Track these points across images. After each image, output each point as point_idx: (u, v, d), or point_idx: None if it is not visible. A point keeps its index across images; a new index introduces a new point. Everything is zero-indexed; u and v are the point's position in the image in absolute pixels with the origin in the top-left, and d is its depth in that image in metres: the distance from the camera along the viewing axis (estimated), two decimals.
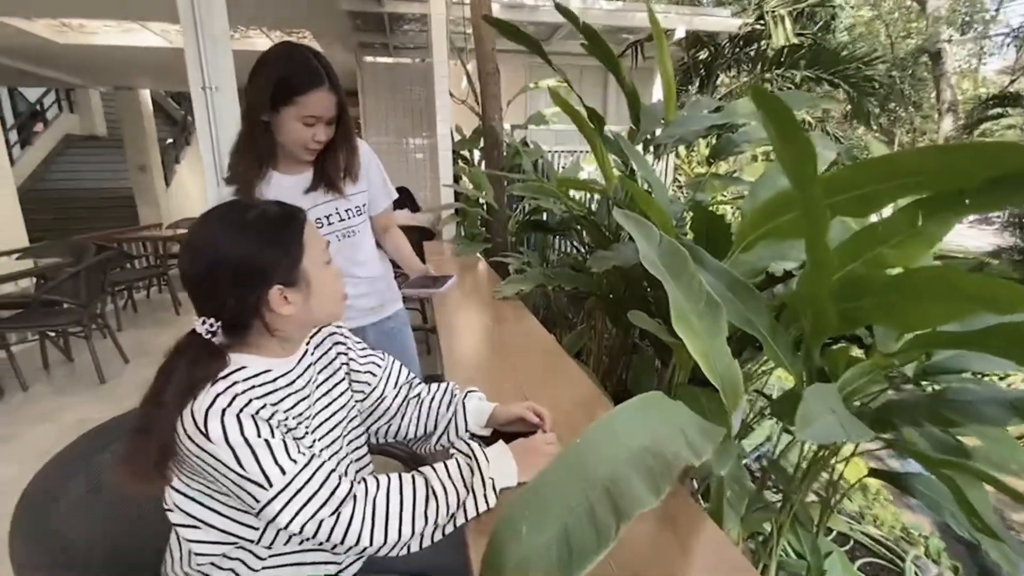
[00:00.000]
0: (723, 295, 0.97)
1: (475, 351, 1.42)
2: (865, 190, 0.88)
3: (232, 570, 0.71)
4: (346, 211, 1.31)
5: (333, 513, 0.64)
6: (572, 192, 2.22)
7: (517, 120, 4.42)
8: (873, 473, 0.92)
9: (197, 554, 0.69)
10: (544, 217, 2.91)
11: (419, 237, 3.61)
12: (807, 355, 0.90)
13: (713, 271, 1.01)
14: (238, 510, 0.68)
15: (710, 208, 1.72)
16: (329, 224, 1.29)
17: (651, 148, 1.94)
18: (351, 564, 0.81)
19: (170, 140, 9.11)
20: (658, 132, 1.91)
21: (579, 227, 2.23)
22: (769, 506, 0.92)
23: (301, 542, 0.72)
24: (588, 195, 2.95)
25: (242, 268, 0.67)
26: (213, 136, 1.17)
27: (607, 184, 1.75)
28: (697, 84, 5.58)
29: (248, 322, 0.70)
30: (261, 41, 5.45)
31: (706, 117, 1.88)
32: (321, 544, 0.66)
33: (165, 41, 5.27)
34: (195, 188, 9.25)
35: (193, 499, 0.68)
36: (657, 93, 5.16)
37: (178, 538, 0.72)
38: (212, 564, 0.71)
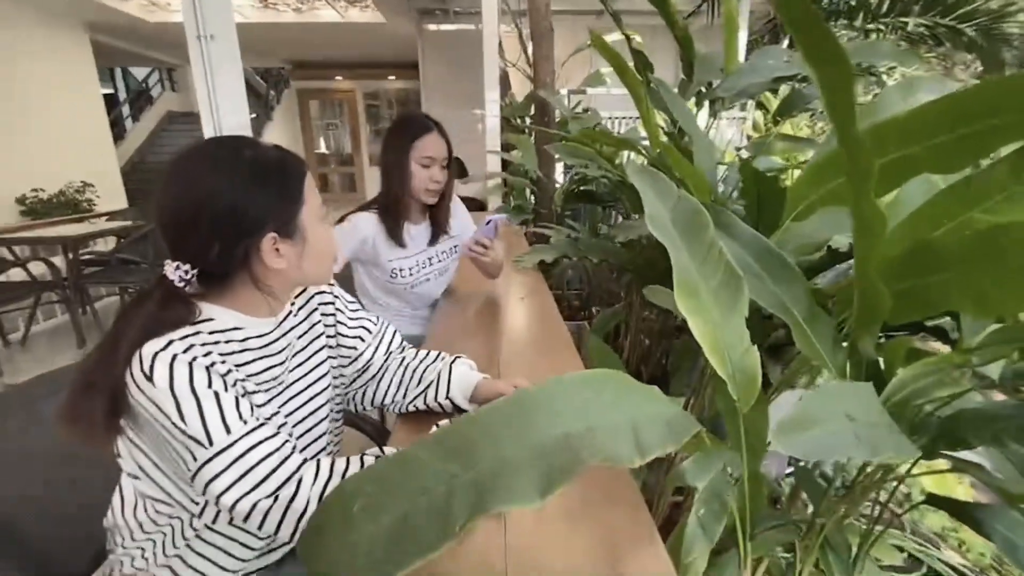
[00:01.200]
0: (748, 268, 0.80)
1: (465, 320, 1.35)
2: (955, 134, 0.67)
3: (170, 527, 0.68)
4: (444, 252, 1.53)
5: (271, 495, 0.57)
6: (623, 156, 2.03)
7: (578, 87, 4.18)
8: (932, 500, 0.72)
9: (145, 498, 0.66)
10: (594, 188, 2.72)
11: (468, 207, 3.55)
12: (852, 347, 0.71)
13: (742, 239, 0.83)
14: (177, 475, 0.63)
15: (769, 174, 1.48)
16: (430, 265, 1.50)
17: (705, 103, 1.70)
18: (276, 549, 0.75)
19: (255, 115, 9.66)
20: (715, 84, 1.67)
21: (625, 198, 2.04)
22: (789, 526, 0.75)
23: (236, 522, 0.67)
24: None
25: (234, 213, 0.60)
26: (209, 87, 1.13)
27: (652, 144, 1.56)
28: (787, 42, 4.99)
29: (230, 273, 0.63)
30: (326, 12, 5.55)
31: (773, 67, 1.61)
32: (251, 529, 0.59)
33: (242, 17, 5.50)
34: None
35: (137, 446, 0.63)
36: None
37: (120, 487, 0.69)
38: (153, 521, 0.67)
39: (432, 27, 5.34)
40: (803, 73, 1.57)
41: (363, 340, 0.84)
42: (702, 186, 1.10)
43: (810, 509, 0.90)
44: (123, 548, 0.68)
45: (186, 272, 0.61)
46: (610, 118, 3.63)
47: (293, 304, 0.76)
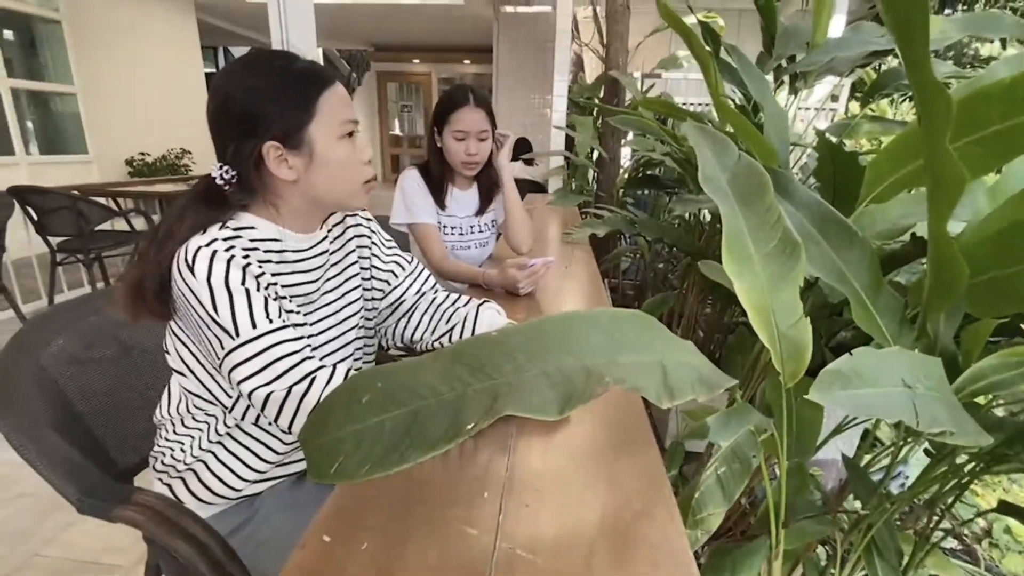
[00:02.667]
0: (808, 236, 0.73)
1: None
2: None
3: (207, 424, 0.73)
4: (487, 224, 1.55)
5: (285, 388, 0.61)
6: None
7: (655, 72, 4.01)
8: (1005, 508, 0.63)
9: (189, 395, 0.71)
10: (659, 172, 2.61)
11: (529, 189, 3.53)
12: (922, 328, 0.63)
13: (802, 204, 0.76)
14: (216, 368, 0.68)
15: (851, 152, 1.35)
16: (472, 233, 1.52)
17: (785, 80, 1.58)
18: (298, 461, 0.78)
19: None
20: (799, 58, 1.54)
21: (687, 178, 1.94)
22: (827, 518, 0.69)
23: (264, 422, 0.71)
24: None
25: (241, 113, 0.64)
26: (284, 43, 1.18)
27: (721, 119, 1.47)
28: None
29: (249, 178, 0.66)
30: None
31: (867, 40, 1.46)
32: (268, 421, 0.63)
33: None
34: None
35: (183, 343, 0.68)
36: None
37: (168, 385, 0.75)
38: (193, 416, 0.73)
39: (508, 9, 5.32)
40: None
41: (396, 275, 0.87)
42: (770, 155, 1.02)
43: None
44: (166, 440, 0.74)
45: (226, 172, 0.65)
46: (684, 103, 3.47)
47: (329, 227, 0.79)
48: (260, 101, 0.64)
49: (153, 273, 0.62)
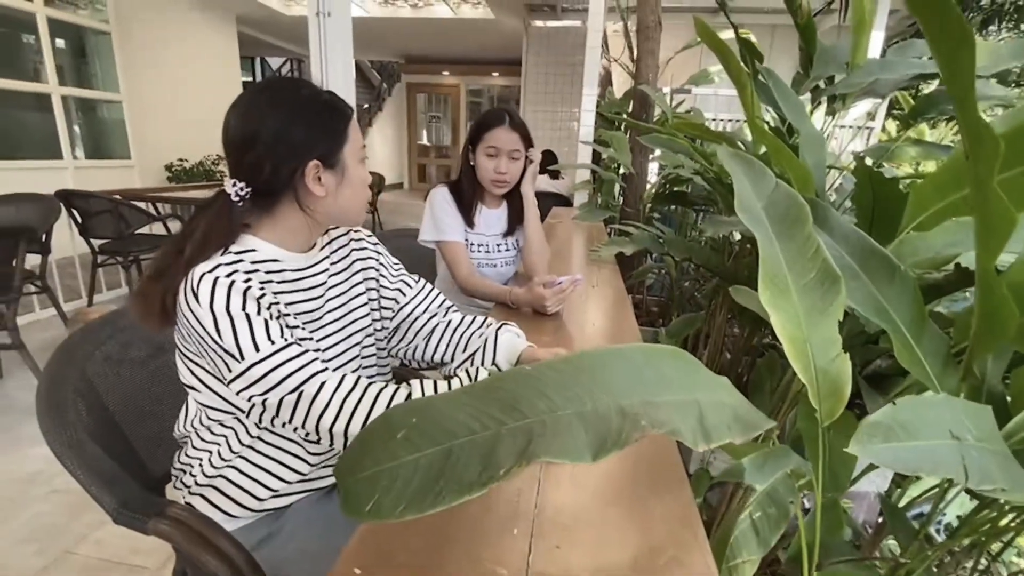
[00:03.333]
0: (847, 268, 0.71)
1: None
2: None
3: (225, 437, 0.74)
4: (515, 243, 1.55)
5: (294, 391, 0.63)
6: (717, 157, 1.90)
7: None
8: None
9: (204, 408, 0.73)
10: (687, 189, 2.58)
11: (555, 203, 3.53)
12: (968, 369, 0.61)
13: (842, 236, 0.75)
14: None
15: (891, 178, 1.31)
16: (498, 252, 1.53)
17: (822, 101, 1.55)
18: (325, 477, 0.79)
19: (366, 105, 10.32)
20: (838, 79, 1.51)
21: (718, 197, 1.91)
22: (866, 564, 0.66)
23: (285, 428, 0.72)
24: None
25: (286, 138, 0.68)
26: (322, 62, 1.22)
27: (755, 140, 1.45)
28: None
29: (278, 193, 0.70)
30: (440, 8, 5.77)
31: (912, 63, 1.43)
32: (291, 427, 0.65)
33: (364, 11, 5.89)
34: (381, 150, 10.38)
35: (194, 362, 0.70)
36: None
37: (186, 401, 0.77)
38: (209, 429, 0.74)
39: (538, 23, 5.37)
40: None
41: (403, 294, 0.89)
42: (805, 181, 1.00)
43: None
44: (187, 456, 0.76)
45: (241, 189, 0.68)
46: (714, 119, 3.44)
47: (329, 247, 0.82)
48: (303, 125, 0.69)
49: (164, 285, 0.65)
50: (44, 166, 4.29)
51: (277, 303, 0.67)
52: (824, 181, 1.18)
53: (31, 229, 2.00)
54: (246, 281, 0.64)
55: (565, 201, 3.59)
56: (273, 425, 0.73)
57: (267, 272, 0.70)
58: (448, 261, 1.41)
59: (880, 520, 1.62)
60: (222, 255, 0.66)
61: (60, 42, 4.49)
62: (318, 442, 0.72)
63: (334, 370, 0.68)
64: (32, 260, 2.41)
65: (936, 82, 1.59)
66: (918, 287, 0.69)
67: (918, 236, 0.97)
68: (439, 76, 10.19)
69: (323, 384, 0.64)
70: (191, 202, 3.59)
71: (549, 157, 4.06)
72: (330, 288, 0.80)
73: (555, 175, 3.80)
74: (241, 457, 0.73)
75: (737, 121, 3.32)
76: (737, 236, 1.85)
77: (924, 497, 1.06)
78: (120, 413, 0.78)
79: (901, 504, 1.40)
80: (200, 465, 0.74)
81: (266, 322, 0.64)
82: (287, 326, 0.66)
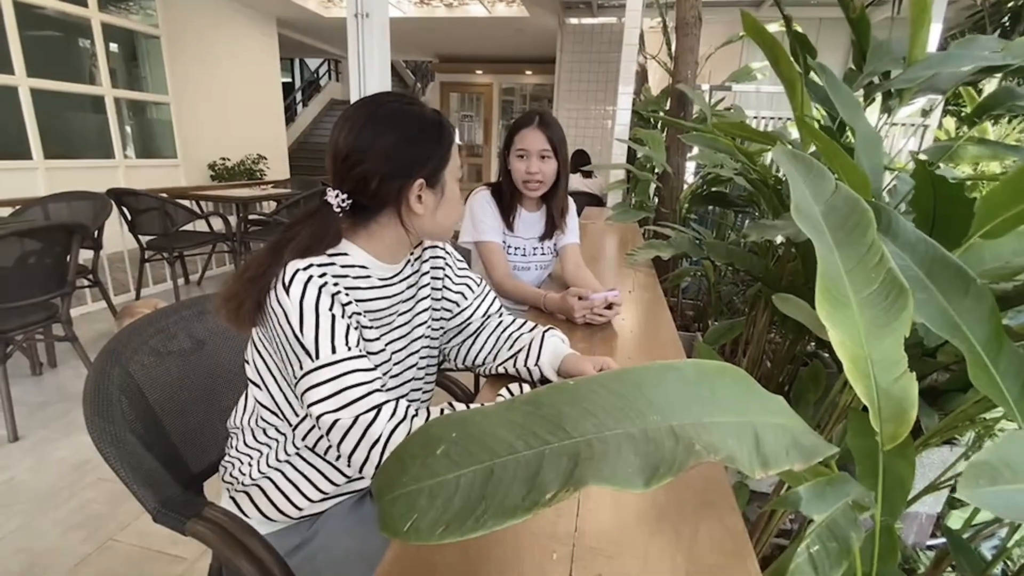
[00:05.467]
0: (914, 280, 0.66)
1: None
2: None
3: (276, 442, 0.75)
4: (551, 248, 1.54)
5: (352, 417, 0.62)
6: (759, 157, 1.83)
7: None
8: None
9: (260, 408, 0.74)
10: (726, 190, 2.50)
11: (587, 202, 3.48)
12: None
13: (906, 242, 0.69)
14: (289, 385, 0.70)
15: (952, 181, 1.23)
16: (534, 255, 1.53)
17: (877, 98, 1.47)
18: (360, 479, 0.78)
19: None
20: (893, 74, 1.42)
21: (760, 199, 1.84)
22: None
23: (326, 451, 0.72)
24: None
25: (397, 155, 0.69)
26: (360, 63, 1.22)
27: (803, 140, 1.38)
28: (997, 35, 4.13)
29: (381, 208, 0.72)
30: (475, 7, 5.78)
31: (977, 56, 1.33)
32: (329, 449, 0.65)
33: (400, 12, 5.95)
34: None
35: (263, 356, 0.71)
36: None
37: (245, 394, 0.78)
38: (263, 431, 0.75)
39: (573, 21, 5.32)
40: (1019, 63, 1.27)
41: (465, 297, 0.90)
42: (862, 185, 0.94)
43: None
44: (236, 451, 0.77)
45: (343, 200, 0.69)
46: (756, 117, 3.32)
47: (411, 256, 0.83)
48: (414, 143, 0.70)
49: (258, 285, 0.65)
50: (98, 165, 4.51)
51: (359, 313, 0.68)
52: (881, 184, 1.11)
53: (84, 226, 2.08)
54: (335, 284, 0.66)
55: (598, 201, 3.53)
56: (316, 444, 0.73)
57: (355, 278, 0.71)
58: (485, 262, 1.41)
59: (932, 543, 1.52)
60: (317, 256, 0.67)
61: (113, 46, 4.70)
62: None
63: (387, 377, 0.68)
64: (85, 255, 2.52)
65: (999, 75, 1.48)
66: (995, 303, 0.63)
67: (986, 244, 0.90)
68: (472, 75, 10.23)
69: (378, 413, 0.63)
70: (232, 200, 3.70)
71: (581, 156, 4.01)
72: (405, 297, 0.81)
73: (588, 175, 3.75)
74: (287, 463, 0.74)
75: (779, 119, 3.19)
76: (779, 240, 1.78)
77: (988, 527, 0.98)
78: (161, 406, 0.80)
79: (956, 527, 1.31)
80: (249, 464, 0.75)
81: (347, 328, 0.65)
82: (364, 339, 0.68)
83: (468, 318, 0.90)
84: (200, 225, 3.56)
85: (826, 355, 1.64)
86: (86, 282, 2.79)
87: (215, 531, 0.60)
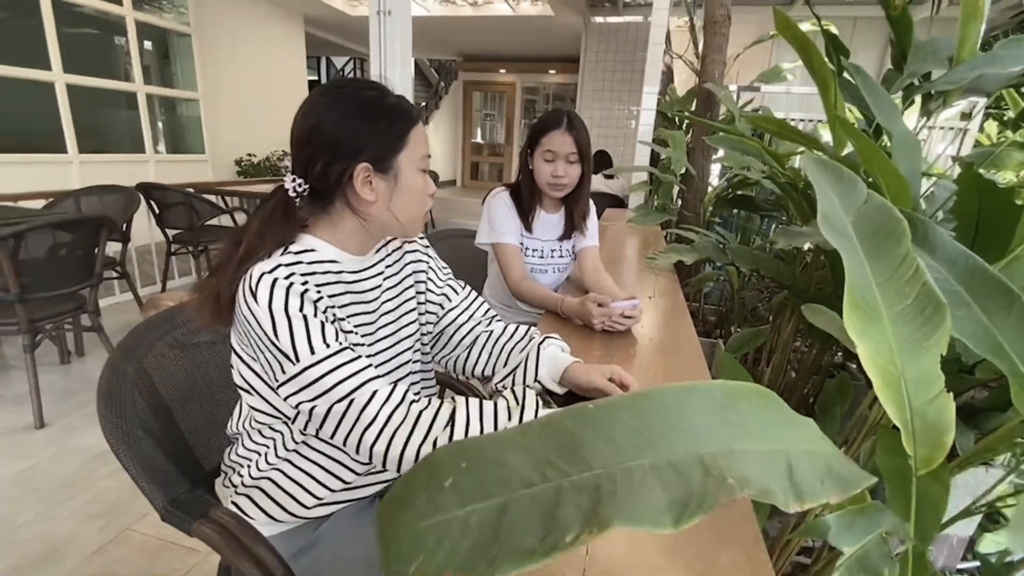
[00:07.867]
0: (951, 293, 0.62)
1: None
2: None
3: (273, 440, 0.74)
4: (569, 250, 1.52)
5: (344, 398, 0.62)
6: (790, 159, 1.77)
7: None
8: None
9: (254, 411, 0.73)
10: (753, 193, 2.43)
11: (608, 204, 3.43)
12: None
13: (944, 255, 0.65)
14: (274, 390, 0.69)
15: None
16: (552, 257, 1.50)
17: (916, 101, 1.40)
18: (368, 486, 0.77)
19: (423, 103, 10.49)
20: (935, 75, 1.36)
21: (788, 204, 1.78)
22: None
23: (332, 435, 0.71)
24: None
25: (337, 136, 0.68)
26: (382, 60, 1.21)
27: (837, 141, 1.32)
28: None
29: (331, 193, 0.70)
30: (500, 6, 5.77)
31: None
32: (334, 438, 0.64)
33: (424, 11, 5.98)
34: (436, 147, 10.53)
35: (245, 363, 0.71)
36: None
37: (239, 401, 0.77)
38: (260, 432, 0.75)
39: (599, 19, 5.26)
40: None
41: (449, 300, 0.88)
42: (901, 192, 0.90)
43: None
44: (237, 455, 0.77)
45: (299, 185, 0.68)
46: (786, 118, 3.23)
47: (384, 250, 0.81)
48: (358, 126, 0.68)
49: (222, 282, 0.65)
50: (129, 159, 4.63)
51: (333, 307, 0.67)
52: (919, 190, 1.06)
53: (111, 219, 2.14)
54: (303, 284, 0.64)
55: (619, 202, 3.49)
56: (317, 435, 0.72)
57: (324, 274, 0.70)
58: (501, 264, 1.39)
59: (963, 566, 1.45)
60: (281, 255, 0.66)
61: (147, 44, 4.82)
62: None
63: (384, 376, 0.67)
64: (114, 247, 2.59)
65: None
66: None
67: None
68: (495, 74, 10.22)
69: (375, 393, 0.63)
70: (257, 195, 3.76)
71: (603, 158, 3.96)
72: (384, 292, 0.79)
73: (609, 175, 3.70)
74: (287, 461, 0.73)
75: (811, 121, 3.10)
76: (808, 246, 1.72)
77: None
78: (174, 402, 0.80)
79: (989, 551, 1.24)
80: (248, 466, 0.75)
81: (322, 325, 0.63)
82: (342, 331, 0.66)
83: (453, 321, 0.88)
84: (225, 220, 3.62)
85: (854, 366, 1.58)
86: (114, 274, 2.86)
87: (221, 533, 0.60)
